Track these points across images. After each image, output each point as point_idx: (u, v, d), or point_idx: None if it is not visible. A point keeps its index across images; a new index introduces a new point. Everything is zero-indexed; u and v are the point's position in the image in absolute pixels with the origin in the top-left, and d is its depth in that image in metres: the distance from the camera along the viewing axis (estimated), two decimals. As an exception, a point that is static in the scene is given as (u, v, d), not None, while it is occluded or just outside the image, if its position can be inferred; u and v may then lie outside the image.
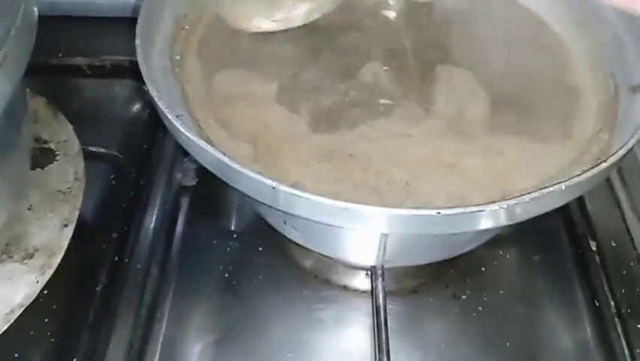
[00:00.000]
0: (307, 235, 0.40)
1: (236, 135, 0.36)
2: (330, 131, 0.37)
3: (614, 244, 0.46)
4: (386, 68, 0.40)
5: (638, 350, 0.41)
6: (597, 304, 0.43)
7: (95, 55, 0.58)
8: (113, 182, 0.49)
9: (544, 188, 0.28)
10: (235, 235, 0.48)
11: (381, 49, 0.42)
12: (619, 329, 0.42)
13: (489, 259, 0.48)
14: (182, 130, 0.31)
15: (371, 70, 0.40)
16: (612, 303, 0.43)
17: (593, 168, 0.29)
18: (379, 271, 0.41)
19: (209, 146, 0.30)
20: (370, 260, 0.41)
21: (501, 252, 0.48)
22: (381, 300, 0.39)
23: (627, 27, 0.40)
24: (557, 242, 0.48)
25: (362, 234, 0.37)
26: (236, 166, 0.29)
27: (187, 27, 0.42)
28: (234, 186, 0.31)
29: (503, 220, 0.29)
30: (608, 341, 0.42)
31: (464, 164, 0.35)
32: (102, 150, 0.50)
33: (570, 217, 0.49)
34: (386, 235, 0.37)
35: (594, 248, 0.46)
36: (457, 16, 0.44)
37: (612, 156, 0.30)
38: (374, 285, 0.40)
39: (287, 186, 0.28)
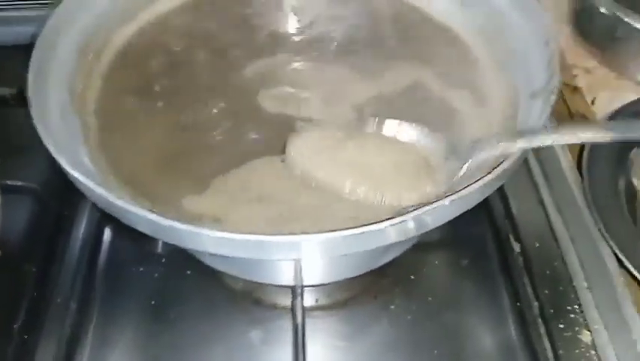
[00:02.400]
0: (220, 261, 0.40)
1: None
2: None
3: (537, 245, 0.47)
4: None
5: (561, 351, 0.41)
6: (521, 306, 0.44)
7: (16, 84, 0.57)
8: (35, 215, 0.48)
9: (428, 204, 0.28)
10: (163, 260, 0.47)
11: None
12: (542, 330, 0.42)
13: (418, 267, 0.48)
14: (66, 167, 0.30)
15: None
16: (536, 304, 0.43)
17: (475, 181, 0.29)
18: (298, 290, 0.40)
19: (91, 183, 0.29)
20: (289, 281, 0.41)
21: (429, 258, 0.48)
22: (299, 319, 0.39)
23: (532, 35, 0.40)
24: (484, 246, 0.48)
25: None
26: (118, 203, 0.29)
27: (91, 56, 0.42)
28: (124, 222, 0.30)
29: (389, 239, 0.29)
30: (532, 342, 0.42)
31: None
32: (22, 183, 0.49)
33: (495, 220, 0.49)
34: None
35: (518, 250, 0.47)
36: (364, 28, 0.44)
37: (497, 167, 0.30)
38: (293, 304, 0.40)
39: (167, 220, 0.28)
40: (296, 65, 0.43)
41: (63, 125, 0.35)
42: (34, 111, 0.33)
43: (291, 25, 0.46)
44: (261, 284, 0.47)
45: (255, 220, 0.33)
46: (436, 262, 0.48)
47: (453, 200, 0.29)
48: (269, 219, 0.34)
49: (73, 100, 0.38)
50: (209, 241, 0.29)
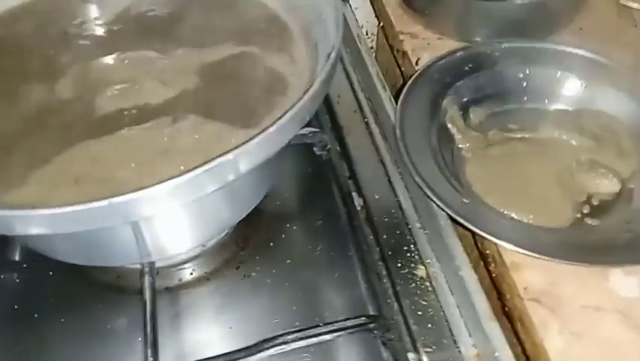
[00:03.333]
0: (65, 252, 0.41)
1: None
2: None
3: (377, 197, 0.51)
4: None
5: (399, 287, 0.45)
6: (363, 253, 0.47)
7: None
8: None
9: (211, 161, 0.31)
10: (24, 265, 0.48)
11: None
12: (384, 272, 0.46)
13: (277, 234, 0.51)
14: None
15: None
16: (377, 249, 0.47)
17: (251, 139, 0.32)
18: (147, 269, 0.42)
19: None
20: (136, 258, 0.42)
21: (287, 224, 0.51)
22: (148, 295, 0.41)
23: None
24: (333, 206, 0.52)
25: (110, 236, 0.39)
26: None
27: None
28: None
29: (206, 188, 0.32)
30: (375, 284, 0.46)
31: (177, 147, 0.38)
32: None
33: (339, 181, 0.53)
34: (137, 231, 0.38)
35: (362, 203, 0.50)
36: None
37: (268, 128, 0.32)
38: (142, 282, 0.42)
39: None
40: (115, 59, 0.45)
41: None
42: None
43: (102, 20, 0.48)
44: (122, 273, 0.48)
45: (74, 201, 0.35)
46: (294, 227, 0.51)
47: (239, 153, 0.32)
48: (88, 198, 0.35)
49: None
50: (23, 221, 0.30)
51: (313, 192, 0.53)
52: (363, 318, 0.42)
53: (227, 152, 0.32)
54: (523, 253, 0.40)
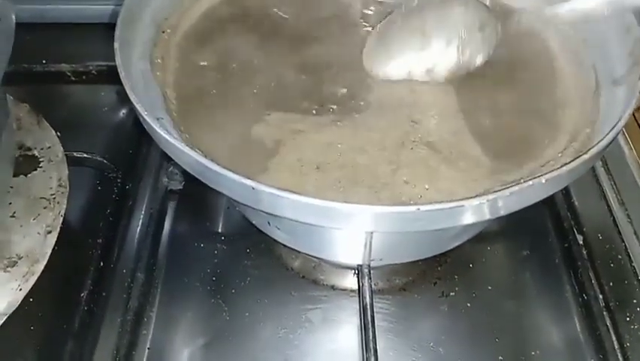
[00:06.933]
0: (292, 236, 0.40)
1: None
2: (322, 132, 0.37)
3: (601, 238, 0.46)
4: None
5: (628, 344, 0.41)
6: (585, 298, 0.43)
7: (78, 61, 0.58)
8: (99, 187, 0.49)
9: (525, 182, 0.28)
10: (223, 238, 0.48)
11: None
12: (608, 323, 0.42)
13: (477, 256, 0.48)
14: (160, 131, 0.31)
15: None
16: (600, 296, 0.43)
17: (573, 160, 0.29)
18: (366, 270, 0.41)
19: (186, 147, 0.30)
20: (356, 259, 0.41)
21: (489, 248, 0.48)
22: (367, 299, 0.39)
23: (610, 21, 0.40)
24: (545, 237, 0.48)
25: (346, 233, 0.37)
26: (215, 167, 0.29)
27: (168, 30, 0.42)
28: (214, 187, 0.31)
29: (485, 215, 0.29)
30: (598, 334, 0.42)
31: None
32: (87, 155, 0.49)
33: (557, 211, 0.49)
34: (371, 233, 0.37)
35: (581, 242, 0.46)
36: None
37: (593, 148, 0.29)
38: (361, 283, 0.40)
39: (266, 186, 0.28)
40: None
41: (147, 95, 0.36)
42: (125, 79, 0.33)
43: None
44: (319, 266, 0.47)
45: (321, 189, 0.33)
46: (496, 252, 0.48)
47: (548, 179, 0.29)
48: (332, 186, 0.33)
49: (154, 71, 0.38)
50: (285, 204, 0.29)
51: (520, 220, 0.49)
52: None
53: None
54: None
